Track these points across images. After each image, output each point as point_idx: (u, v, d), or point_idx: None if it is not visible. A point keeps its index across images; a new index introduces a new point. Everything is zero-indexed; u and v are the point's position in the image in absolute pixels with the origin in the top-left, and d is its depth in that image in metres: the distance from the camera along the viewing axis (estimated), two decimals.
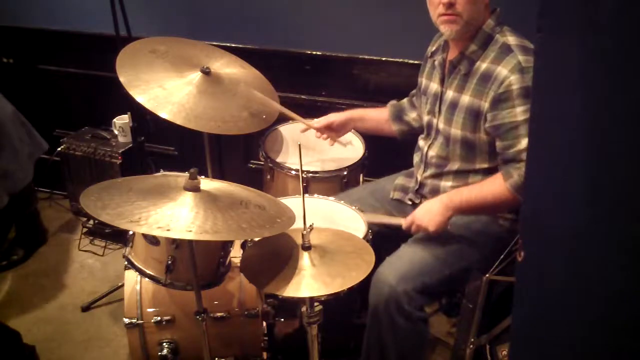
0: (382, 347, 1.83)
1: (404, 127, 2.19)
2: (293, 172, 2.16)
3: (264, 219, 1.50)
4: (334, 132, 2.21)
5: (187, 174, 1.50)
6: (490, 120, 1.76)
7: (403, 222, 1.83)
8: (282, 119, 2.32)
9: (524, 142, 1.69)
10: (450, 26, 1.75)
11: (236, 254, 1.86)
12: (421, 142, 2.06)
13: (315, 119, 2.21)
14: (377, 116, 2.24)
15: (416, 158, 2.08)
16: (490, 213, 1.88)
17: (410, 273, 1.77)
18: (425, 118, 2.01)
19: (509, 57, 1.73)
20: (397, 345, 1.80)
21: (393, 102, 2.24)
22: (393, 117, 2.20)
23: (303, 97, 2.66)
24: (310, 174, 2.15)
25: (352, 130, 2.30)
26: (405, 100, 2.22)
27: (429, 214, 1.78)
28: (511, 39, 1.77)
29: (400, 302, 1.74)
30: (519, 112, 1.70)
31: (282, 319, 2.07)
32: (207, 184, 1.58)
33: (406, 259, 1.82)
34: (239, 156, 2.94)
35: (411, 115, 2.18)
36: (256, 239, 1.74)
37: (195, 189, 1.49)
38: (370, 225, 1.91)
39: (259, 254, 1.65)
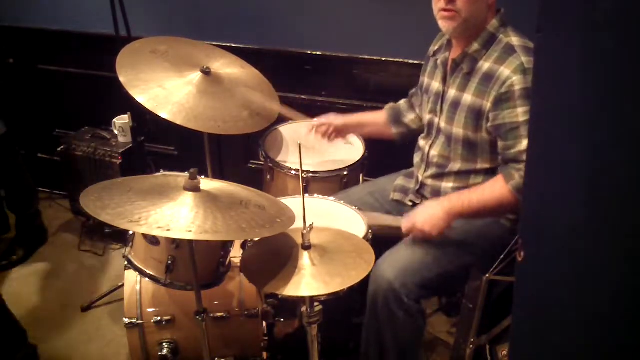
0: (381, 340, 1.83)
1: (403, 130, 2.19)
2: (293, 172, 2.16)
3: (264, 219, 1.50)
4: (331, 129, 2.21)
5: (187, 174, 1.50)
6: (492, 120, 1.76)
7: (403, 224, 1.83)
8: (282, 119, 2.32)
9: (525, 143, 1.69)
10: (448, 22, 1.75)
11: (236, 254, 1.86)
12: (422, 142, 2.06)
13: (315, 119, 2.23)
14: (375, 120, 2.23)
15: (417, 158, 2.08)
16: (492, 216, 1.87)
17: (410, 267, 1.77)
18: (427, 117, 2.01)
19: (512, 58, 1.73)
20: (396, 338, 1.81)
21: (390, 104, 2.24)
22: (391, 121, 2.20)
23: (303, 97, 2.66)
24: (310, 174, 2.15)
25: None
26: (402, 102, 2.22)
27: (430, 220, 1.78)
28: (515, 40, 1.77)
29: (399, 295, 1.74)
30: (521, 113, 1.70)
31: (282, 319, 2.07)
32: (207, 184, 1.58)
33: (405, 253, 1.82)
34: (239, 156, 2.94)
35: (409, 117, 2.17)
36: (256, 239, 1.74)
37: (195, 189, 1.49)
38: (371, 227, 1.91)
39: (259, 254, 1.65)
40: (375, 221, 1.93)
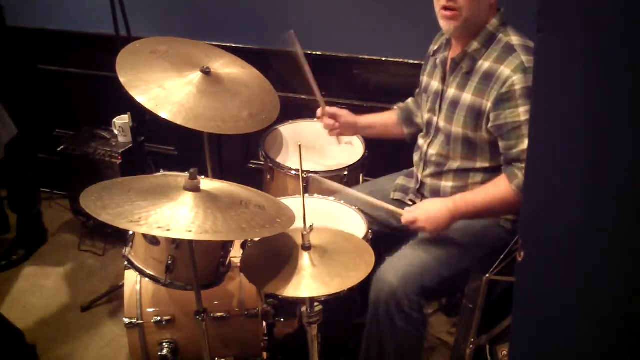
0: (381, 346, 1.83)
1: (415, 130, 2.18)
2: (293, 172, 2.16)
3: (264, 219, 1.50)
4: (337, 124, 2.19)
5: (187, 174, 1.50)
6: (493, 120, 1.76)
7: (404, 216, 1.82)
8: (282, 119, 2.32)
9: (527, 142, 1.68)
10: (449, 22, 1.75)
11: (236, 254, 1.86)
12: (420, 141, 2.06)
13: (327, 107, 2.20)
14: (385, 121, 2.23)
15: (416, 157, 2.08)
16: (495, 216, 1.87)
17: (411, 274, 1.76)
18: (426, 116, 2.01)
19: (512, 57, 1.73)
20: (396, 344, 1.80)
21: (400, 104, 2.23)
22: (404, 121, 2.19)
23: (303, 97, 2.65)
24: (311, 174, 2.15)
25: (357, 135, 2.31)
26: (411, 102, 2.21)
27: (434, 219, 1.77)
28: (514, 39, 1.76)
29: (401, 303, 1.74)
30: (522, 112, 1.70)
31: (282, 319, 2.07)
32: (207, 184, 1.58)
33: (407, 260, 1.82)
34: (239, 156, 2.93)
35: (420, 117, 2.17)
36: (256, 239, 1.74)
37: (195, 189, 1.49)
38: (370, 226, 1.91)
39: (259, 254, 1.65)
40: (377, 205, 1.92)
